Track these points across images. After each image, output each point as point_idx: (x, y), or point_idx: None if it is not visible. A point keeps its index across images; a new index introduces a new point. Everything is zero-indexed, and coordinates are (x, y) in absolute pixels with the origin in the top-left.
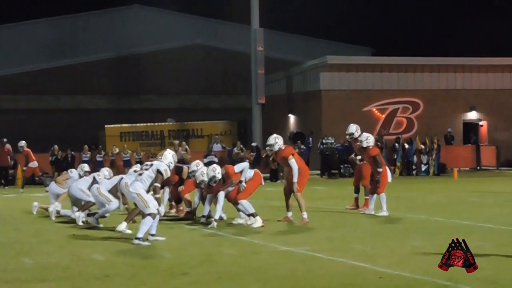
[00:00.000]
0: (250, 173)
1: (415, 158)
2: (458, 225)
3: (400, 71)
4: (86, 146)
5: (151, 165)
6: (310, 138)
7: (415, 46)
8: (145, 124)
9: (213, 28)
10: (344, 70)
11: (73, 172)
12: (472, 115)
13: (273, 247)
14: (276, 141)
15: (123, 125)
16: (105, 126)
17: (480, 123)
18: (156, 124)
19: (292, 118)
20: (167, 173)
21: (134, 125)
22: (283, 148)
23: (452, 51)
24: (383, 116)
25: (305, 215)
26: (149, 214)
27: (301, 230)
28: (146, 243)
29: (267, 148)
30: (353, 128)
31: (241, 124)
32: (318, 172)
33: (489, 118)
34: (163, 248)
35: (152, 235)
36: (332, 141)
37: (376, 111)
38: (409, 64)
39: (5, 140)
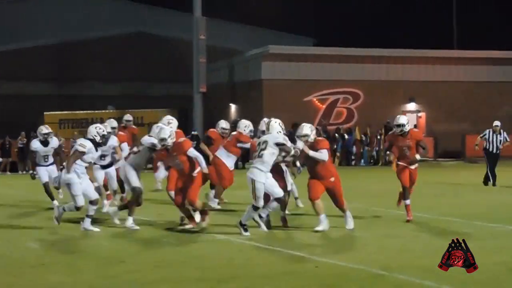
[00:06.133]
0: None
1: (354, 149)
2: (396, 215)
3: (341, 62)
4: (23, 133)
5: None
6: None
7: (356, 37)
8: (84, 111)
9: (156, 16)
10: (286, 59)
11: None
12: (411, 106)
13: (211, 236)
14: (312, 130)
15: (62, 112)
16: (44, 113)
17: (419, 114)
18: (96, 111)
19: (233, 107)
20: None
21: (73, 112)
22: (321, 139)
23: (392, 43)
24: (324, 106)
25: None
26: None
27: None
28: (136, 227)
29: (302, 138)
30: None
31: (182, 112)
32: None
33: (428, 109)
34: (101, 237)
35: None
36: None
37: (317, 101)
38: (350, 54)
39: None
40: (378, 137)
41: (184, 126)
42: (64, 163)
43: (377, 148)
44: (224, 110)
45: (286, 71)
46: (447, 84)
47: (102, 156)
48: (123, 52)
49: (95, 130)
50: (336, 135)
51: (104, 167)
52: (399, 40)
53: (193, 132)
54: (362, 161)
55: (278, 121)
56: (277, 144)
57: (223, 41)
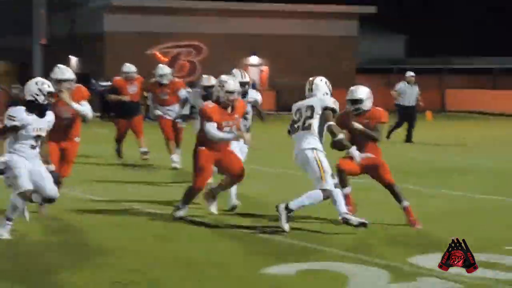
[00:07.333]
0: None
1: None
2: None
3: (184, 15)
4: None
5: None
6: (93, 81)
7: None
8: None
9: None
10: (129, 12)
11: None
12: (254, 60)
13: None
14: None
15: None
16: None
17: (262, 68)
18: None
19: (74, 60)
20: None
21: None
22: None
23: None
24: (167, 59)
25: None
26: None
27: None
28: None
29: None
30: None
31: (23, 65)
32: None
33: (270, 63)
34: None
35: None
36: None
37: (160, 55)
38: (192, 7)
39: None
40: None
41: (25, 79)
42: None
43: None
44: (64, 63)
45: (129, 24)
46: (288, 38)
47: None
48: None
49: (36, 86)
50: None
51: None
52: None
53: None
54: None
55: (324, 79)
56: (326, 109)
57: None
